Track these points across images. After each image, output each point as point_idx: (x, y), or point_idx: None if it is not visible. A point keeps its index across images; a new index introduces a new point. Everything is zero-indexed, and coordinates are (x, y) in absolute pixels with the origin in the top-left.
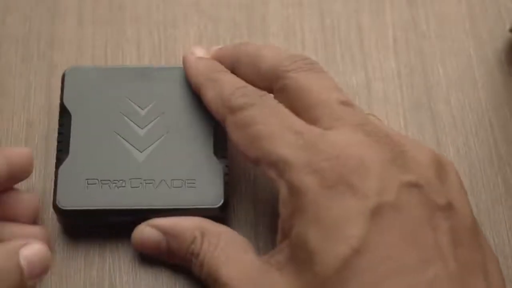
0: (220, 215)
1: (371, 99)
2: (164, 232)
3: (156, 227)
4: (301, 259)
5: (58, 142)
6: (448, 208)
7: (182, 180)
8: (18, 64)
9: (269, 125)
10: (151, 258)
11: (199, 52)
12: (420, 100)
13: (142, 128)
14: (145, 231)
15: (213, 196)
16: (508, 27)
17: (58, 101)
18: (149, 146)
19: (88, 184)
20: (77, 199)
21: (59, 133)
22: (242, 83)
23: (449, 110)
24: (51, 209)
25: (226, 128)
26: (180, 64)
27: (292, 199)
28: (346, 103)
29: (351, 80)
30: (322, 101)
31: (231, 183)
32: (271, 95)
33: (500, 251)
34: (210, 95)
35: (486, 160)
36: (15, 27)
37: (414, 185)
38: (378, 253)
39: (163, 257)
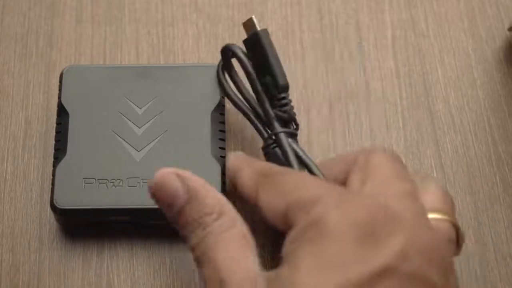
0: None
1: (370, 98)
2: (188, 190)
3: (183, 181)
4: None
5: (56, 141)
6: None
7: None
8: (17, 63)
9: None
10: (149, 257)
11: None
12: (418, 99)
13: (139, 127)
14: (172, 179)
15: None
16: (507, 26)
17: (56, 100)
18: (146, 145)
19: (85, 183)
20: (75, 198)
21: (57, 132)
22: None
23: (447, 110)
24: (49, 208)
25: None
26: (178, 62)
27: None
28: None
29: (350, 79)
30: None
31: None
32: None
33: (498, 250)
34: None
35: (484, 159)
36: (13, 26)
37: None
38: None
39: (167, 213)
